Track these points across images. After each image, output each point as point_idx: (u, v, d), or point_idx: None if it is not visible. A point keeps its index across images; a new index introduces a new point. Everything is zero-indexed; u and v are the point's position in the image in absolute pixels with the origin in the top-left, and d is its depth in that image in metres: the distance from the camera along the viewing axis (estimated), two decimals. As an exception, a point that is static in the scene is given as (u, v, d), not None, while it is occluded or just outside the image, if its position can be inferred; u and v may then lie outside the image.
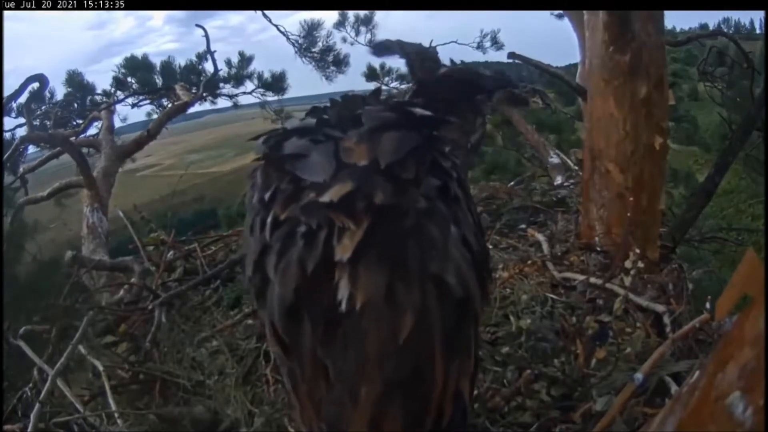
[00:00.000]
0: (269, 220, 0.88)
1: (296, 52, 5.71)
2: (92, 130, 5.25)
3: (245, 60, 6.00)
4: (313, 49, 5.79)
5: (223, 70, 5.84)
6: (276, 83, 6.00)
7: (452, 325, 0.86)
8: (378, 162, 0.84)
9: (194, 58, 5.79)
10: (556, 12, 6.03)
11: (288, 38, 5.67)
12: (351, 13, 6.11)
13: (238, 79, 5.97)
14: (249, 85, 6.00)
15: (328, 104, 1.08)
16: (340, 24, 6.11)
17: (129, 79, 5.61)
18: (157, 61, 5.84)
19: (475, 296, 0.89)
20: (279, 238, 0.86)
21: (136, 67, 5.60)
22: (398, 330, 0.80)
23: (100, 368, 2.05)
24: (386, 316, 0.80)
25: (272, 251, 0.87)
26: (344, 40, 6.10)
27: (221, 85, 5.86)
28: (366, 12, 6.14)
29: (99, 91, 5.70)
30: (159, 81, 5.75)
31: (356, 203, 0.81)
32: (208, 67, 5.66)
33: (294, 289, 0.83)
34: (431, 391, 0.84)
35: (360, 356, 0.82)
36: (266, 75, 6.03)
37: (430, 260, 0.83)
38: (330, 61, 5.83)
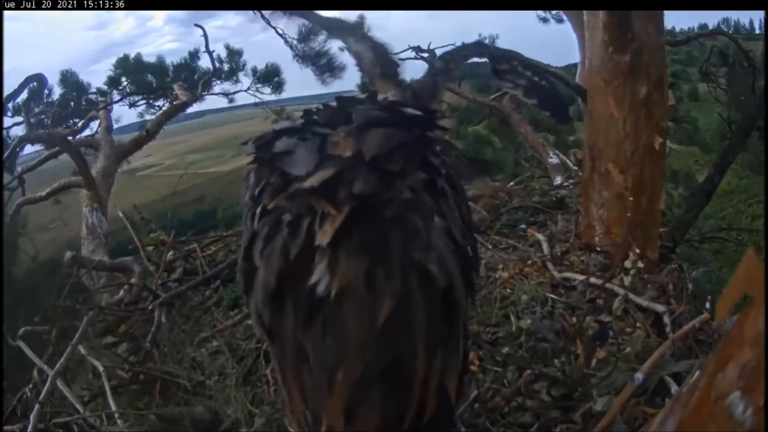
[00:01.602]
0: (258, 210, 0.92)
1: (294, 56, 5.70)
2: (88, 131, 5.26)
3: (233, 53, 5.95)
4: (310, 53, 5.76)
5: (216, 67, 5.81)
6: (270, 76, 5.95)
7: (436, 314, 0.86)
8: (363, 154, 0.86)
9: (187, 56, 5.78)
10: (540, 14, 6.03)
11: (286, 41, 5.66)
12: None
13: (230, 73, 5.94)
14: (245, 81, 5.97)
15: (322, 107, 1.10)
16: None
17: (123, 78, 5.60)
18: (153, 61, 5.83)
19: (458, 285, 0.89)
20: (265, 225, 0.89)
21: (130, 67, 5.59)
22: (377, 315, 0.80)
23: (100, 368, 2.05)
24: (365, 301, 0.81)
25: (259, 238, 0.90)
26: (341, 49, 6.06)
27: (214, 81, 5.84)
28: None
29: (93, 89, 5.70)
30: (153, 82, 5.74)
31: (338, 190, 0.83)
32: (201, 64, 5.66)
33: (277, 273, 0.85)
34: (411, 381, 0.84)
35: (338, 341, 0.82)
36: (260, 68, 5.98)
37: (412, 248, 0.84)
38: (323, 65, 5.81)
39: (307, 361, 0.86)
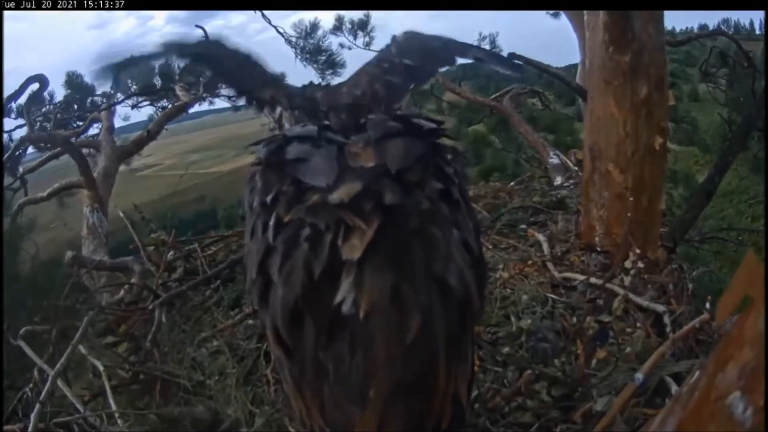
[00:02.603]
0: (272, 222, 0.88)
1: (296, 55, 5.69)
2: (92, 131, 5.25)
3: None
4: (311, 50, 5.75)
5: (221, 71, 5.78)
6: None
7: (454, 326, 0.86)
8: (384, 165, 0.85)
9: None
10: (552, 11, 6.02)
11: (286, 40, 5.65)
12: (347, 18, 6.10)
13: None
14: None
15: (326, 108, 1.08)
16: (337, 29, 6.10)
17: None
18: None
19: (474, 299, 0.89)
20: (283, 240, 0.86)
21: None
22: (405, 331, 0.80)
23: (101, 368, 2.05)
24: (393, 317, 0.80)
25: (276, 253, 0.87)
26: (342, 45, 6.07)
27: (219, 85, 5.82)
28: (362, 15, 6.12)
29: (98, 92, 5.68)
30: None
31: (365, 203, 0.81)
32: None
33: (299, 291, 0.83)
34: (434, 391, 0.85)
35: (367, 358, 0.82)
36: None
37: (433, 261, 0.83)
38: (324, 62, 5.80)
39: (326, 377, 0.85)
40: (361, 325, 0.80)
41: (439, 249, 0.84)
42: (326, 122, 1.01)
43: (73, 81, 5.54)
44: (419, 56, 1.37)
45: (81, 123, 5.40)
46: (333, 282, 0.81)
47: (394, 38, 1.39)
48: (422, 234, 0.84)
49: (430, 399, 0.85)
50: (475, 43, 6.39)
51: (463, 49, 1.38)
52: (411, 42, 1.43)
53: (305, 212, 0.85)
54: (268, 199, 0.90)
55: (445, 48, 1.37)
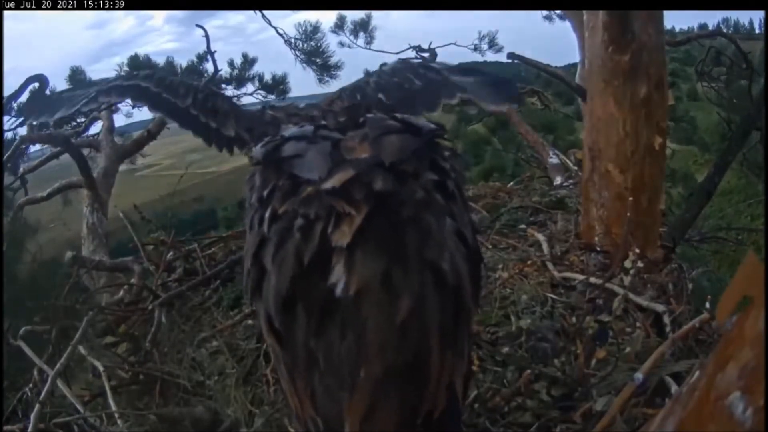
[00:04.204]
0: (267, 214, 0.90)
1: (295, 57, 5.69)
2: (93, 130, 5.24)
3: (248, 62, 5.93)
4: (310, 51, 5.74)
5: (224, 71, 5.74)
6: (277, 85, 5.96)
7: (447, 315, 0.87)
8: (378, 156, 0.87)
9: (195, 59, 5.75)
10: (545, 13, 6.02)
11: (285, 40, 5.65)
12: (349, 18, 6.11)
13: (240, 80, 5.93)
14: (250, 87, 5.97)
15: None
16: (338, 27, 6.10)
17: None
18: (157, 61, 5.80)
19: (466, 287, 0.90)
20: (277, 231, 0.88)
21: (139, 67, 5.55)
22: (395, 313, 0.81)
23: (100, 368, 2.05)
24: (383, 300, 0.81)
25: (270, 243, 0.89)
26: (341, 44, 6.08)
27: (223, 86, 5.80)
28: (363, 15, 6.12)
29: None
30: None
31: (357, 191, 0.83)
32: (209, 67, 5.63)
33: (290, 279, 0.85)
34: (427, 379, 0.85)
35: (357, 342, 0.82)
36: (267, 77, 5.95)
37: (426, 247, 0.85)
38: (321, 64, 5.79)
39: (317, 367, 0.86)
40: (352, 309, 0.82)
41: (432, 235, 0.86)
42: (323, 122, 1.03)
43: (76, 76, 5.50)
44: (396, 96, 1.36)
45: (83, 120, 5.39)
46: (325, 269, 0.82)
47: (381, 66, 1.37)
48: (416, 221, 0.85)
49: (422, 387, 0.85)
50: (475, 42, 6.39)
51: (452, 90, 1.36)
52: (395, 75, 1.41)
53: (299, 204, 0.87)
54: (265, 193, 0.93)
55: (428, 91, 1.35)
